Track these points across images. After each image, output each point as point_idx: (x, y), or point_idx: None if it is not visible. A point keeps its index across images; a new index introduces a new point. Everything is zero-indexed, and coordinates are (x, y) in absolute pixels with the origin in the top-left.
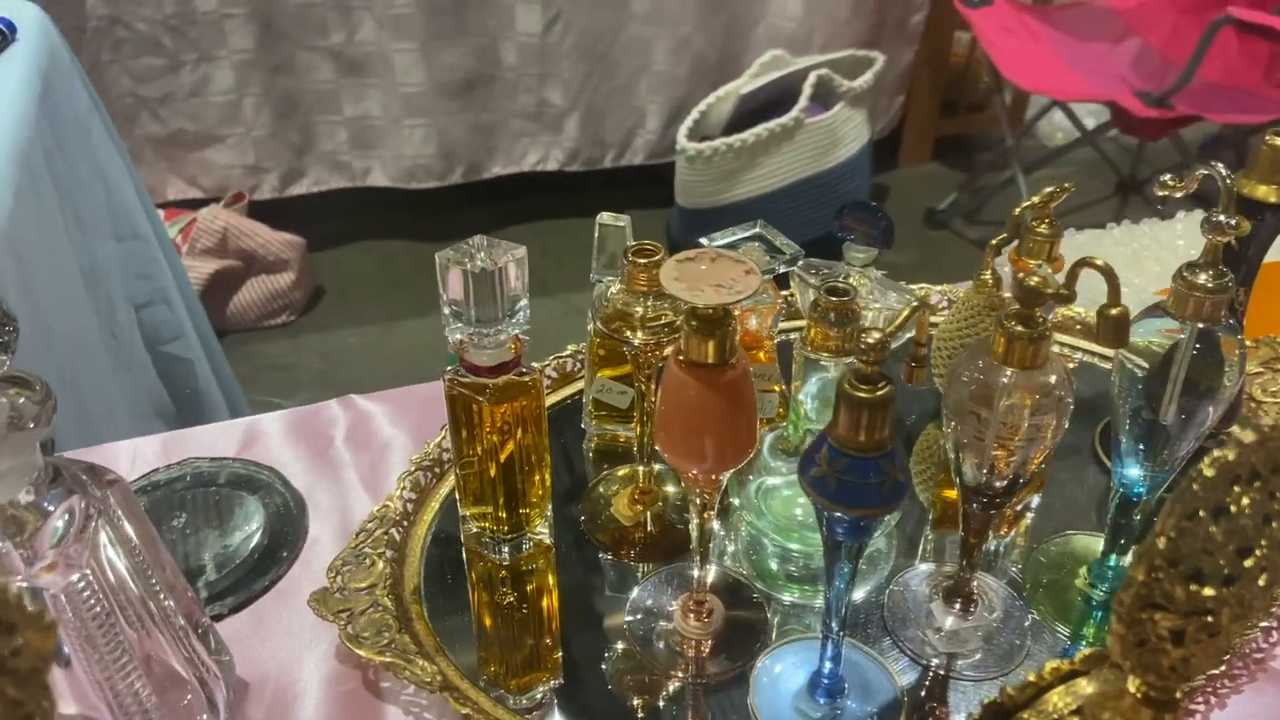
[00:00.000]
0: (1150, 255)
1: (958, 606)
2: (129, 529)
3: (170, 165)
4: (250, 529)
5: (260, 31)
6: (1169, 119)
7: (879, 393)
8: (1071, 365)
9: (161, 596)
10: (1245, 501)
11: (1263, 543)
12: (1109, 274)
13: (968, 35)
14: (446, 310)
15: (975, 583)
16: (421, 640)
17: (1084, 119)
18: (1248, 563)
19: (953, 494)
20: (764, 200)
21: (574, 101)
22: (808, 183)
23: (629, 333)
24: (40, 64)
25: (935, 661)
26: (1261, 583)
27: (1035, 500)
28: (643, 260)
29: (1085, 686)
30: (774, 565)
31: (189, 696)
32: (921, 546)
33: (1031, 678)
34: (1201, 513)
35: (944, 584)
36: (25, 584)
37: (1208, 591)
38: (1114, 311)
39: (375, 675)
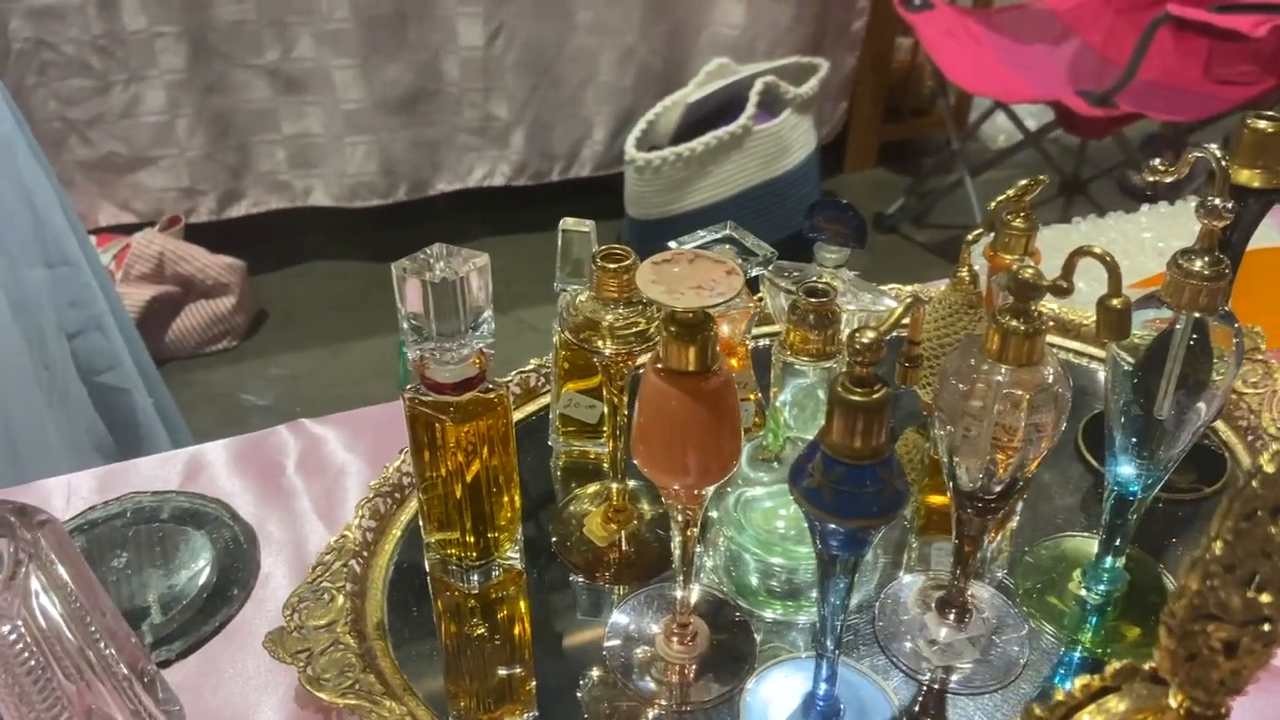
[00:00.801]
0: (1117, 249)
1: (952, 617)
2: (63, 573)
3: (102, 190)
4: (197, 567)
5: (192, 50)
6: (1112, 118)
7: (875, 396)
8: None
9: (101, 645)
10: None
11: None
12: (1110, 264)
13: (909, 41)
14: (405, 325)
15: (969, 592)
16: (387, 679)
17: (1026, 121)
18: None
19: (937, 500)
20: (715, 209)
21: (519, 115)
22: (758, 190)
23: (599, 342)
24: None
25: (931, 676)
26: None
27: (1019, 504)
28: (613, 265)
29: (1117, 704)
30: (755, 581)
31: None
32: (906, 555)
33: (1060, 697)
34: (1260, 512)
35: (936, 594)
36: None
37: (1266, 598)
38: (1115, 302)
39: (339, 719)
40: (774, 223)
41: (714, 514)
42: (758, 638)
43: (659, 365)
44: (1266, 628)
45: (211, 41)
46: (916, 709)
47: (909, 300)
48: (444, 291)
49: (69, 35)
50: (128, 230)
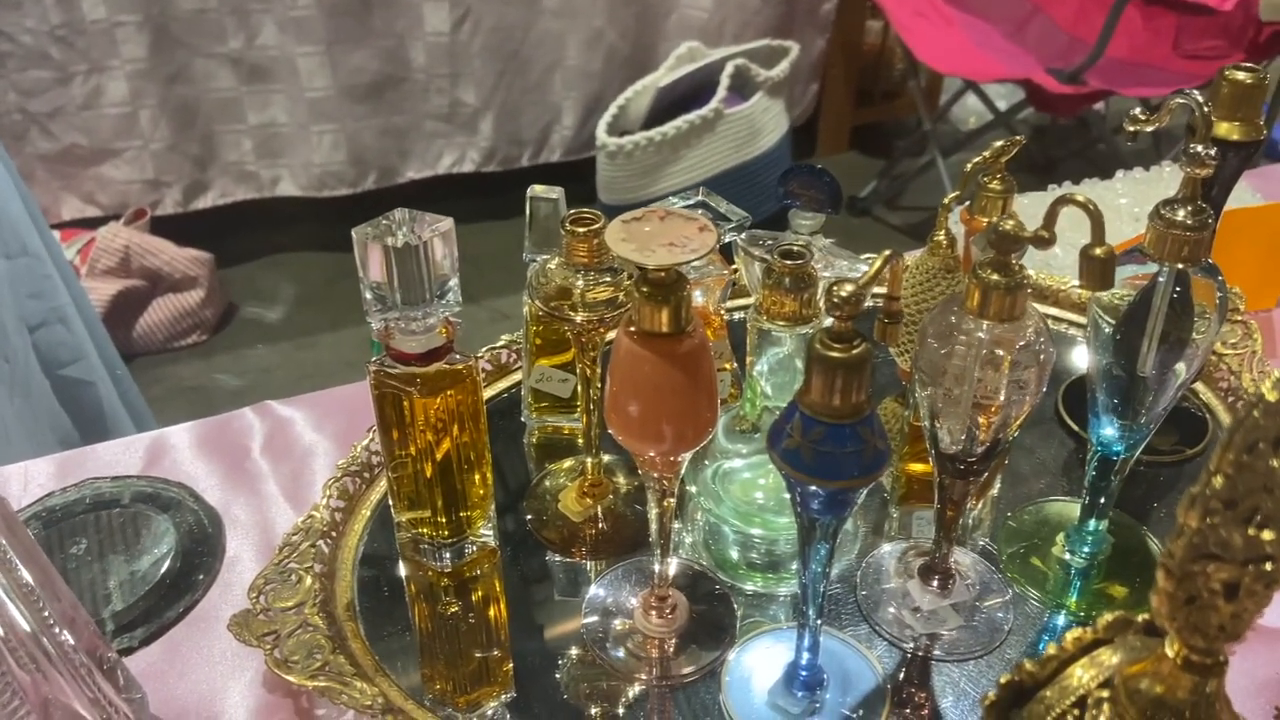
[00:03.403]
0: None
1: (935, 584)
2: (15, 559)
3: (64, 183)
4: (160, 551)
5: (154, 39)
6: (1082, 95)
7: (854, 351)
8: None
9: (57, 632)
10: None
11: None
12: (1094, 212)
13: (879, 23)
14: (368, 294)
15: (952, 558)
16: (358, 660)
17: (997, 102)
18: None
19: (917, 468)
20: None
21: (487, 101)
22: (731, 174)
23: (570, 311)
24: None
25: (915, 643)
26: None
27: (1000, 472)
28: (582, 229)
29: (1110, 656)
30: (735, 554)
31: None
32: (887, 525)
33: (1052, 650)
34: (1261, 445)
35: (918, 562)
36: None
37: (1267, 535)
38: (1098, 251)
39: (309, 703)
40: (747, 206)
41: (692, 487)
42: (739, 610)
43: (631, 328)
44: (1268, 566)
45: (173, 30)
46: (901, 677)
47: (887, 254)
48: (407, 257)
49: (27, 25)
50: (92, 224)
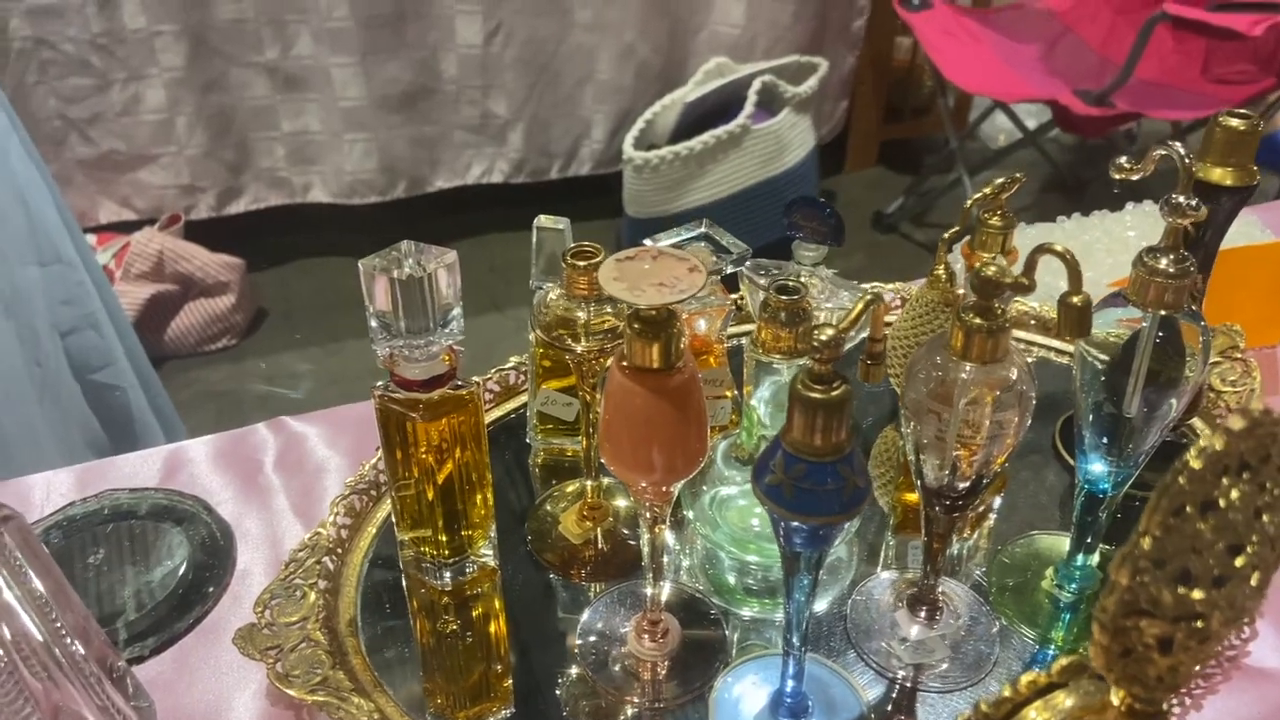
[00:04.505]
0: (1102, 248)
1: (923, 615)
2: (29, 570)
3: (101, 187)
4: (173, 563)
5: (191, 48)
6: (1109, 117)
7: (834, 393)
8: (1030, 360)
9: (68, 641)
10: (1235, 495)
11: (1254, 539)
12: (1070, 261)
13: (909, 40)
14: (374, 323)
15: (940, 589)
16: (358, 676)
17: (1025, 120)
18: (1238, 561)
19: (914, 498)
20: (713, 208)
21: (518, 112)
22: (756, 189)
23: (571, 340)
24: None
25: (902, 673)
26: (1254, 582)
27: (997, 501)
28: (582, 263)
29: (1064, 700)
30: (731, 579)
31: None
32: (883, 553)
33: (1007, 692)
34: (1189, 508)
35: (908, 592)
36: None
37: (1197, 594)
38: (1075, 300)
39: (310, 716)
40: (772, 222)
41: (689, 513)
42: (735, 635)
43: (624, 362)
44: (1199, 624)
45: (211, 40)
46: (886, 706)
47: (868, 298)
48: (412, 288)
49: (69, 34)
50: (128, 228)
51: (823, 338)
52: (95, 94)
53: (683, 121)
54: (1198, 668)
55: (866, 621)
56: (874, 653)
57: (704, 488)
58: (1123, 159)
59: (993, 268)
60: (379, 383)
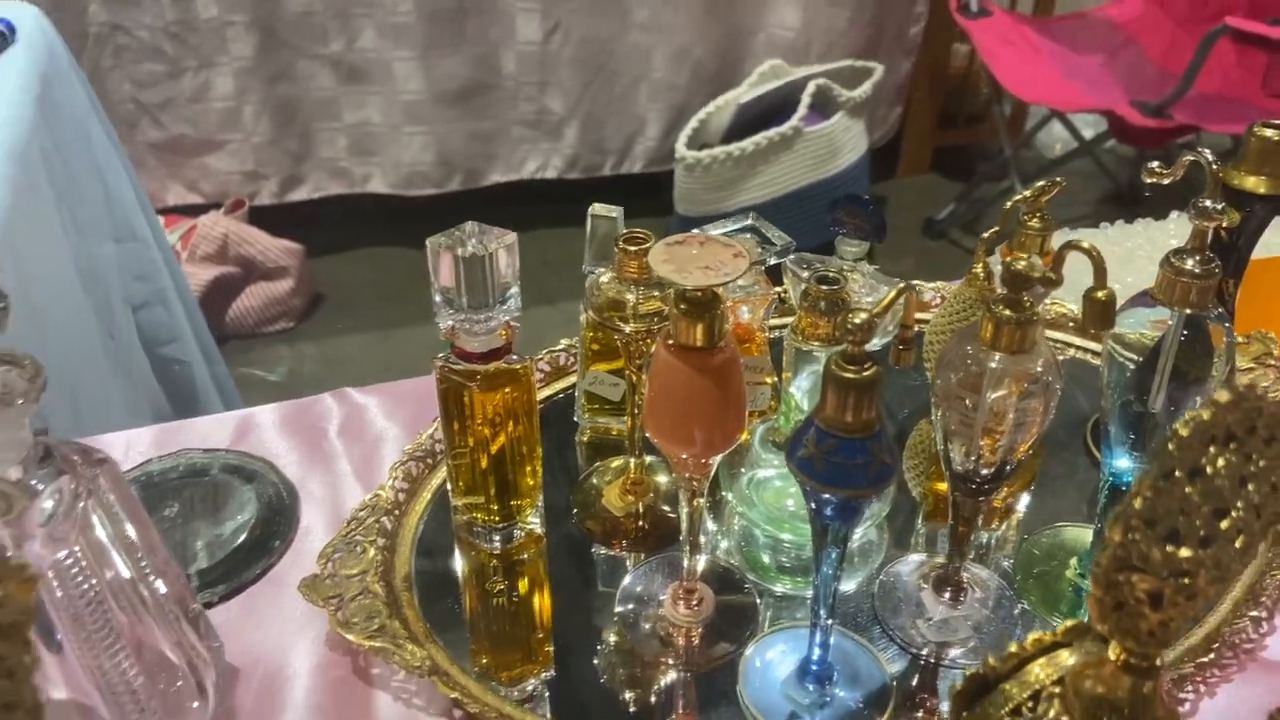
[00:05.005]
0: (1144, 255)
1: (947, 595)
2: (119, 511)
3: (171, 171)
4: (243, 518)
5: (261, 39)
6: (1166, 129)
7: (865, 374)
8: (1063, 358)
9: (152, 580)
10: (1221, 463)
11: (1238, 505)
12: (1095, 257)
13: (966, 47)
14: (438, 297)
15: (965, 572)
16: (411, 627)
17: (1083, 130)
18: (1224, 524)
19: (944, 487)
20: (763, 208)
21: (573, 109)
22: (806, 191)
23: (620, 321)
24: (39, 65)
25: (925, 650)
26: (1238, 545)
27: (1026, 497)
28: (633, 248)
29: (1066, 658)
30: (766, 557)
31: (179, 682)
32: (913, 539)
33: (1014, 649)
34: (1178, 473)
35: (934, 574)
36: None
37: (1184, 552)
38: (1100, 294)
39: (365, 662)
40: (821, 224)
41: (728, 494)
42: (767, 611)
43: (669, 341)
44: (1187, 581)
45: (279, 31)
46: (908, 679)
47: (900, 286)
48: (474, 266)
49: (144, 21)
50: (194, 212)
51: (856, 321)
52: (167, 80)
53: (736, 122)
54: (1188, 627)
55: (893, 600)
56: (899, 629)
57: (742, 470)
58: (1154, 163)
59: (1023, 262)
60: (440, 354)
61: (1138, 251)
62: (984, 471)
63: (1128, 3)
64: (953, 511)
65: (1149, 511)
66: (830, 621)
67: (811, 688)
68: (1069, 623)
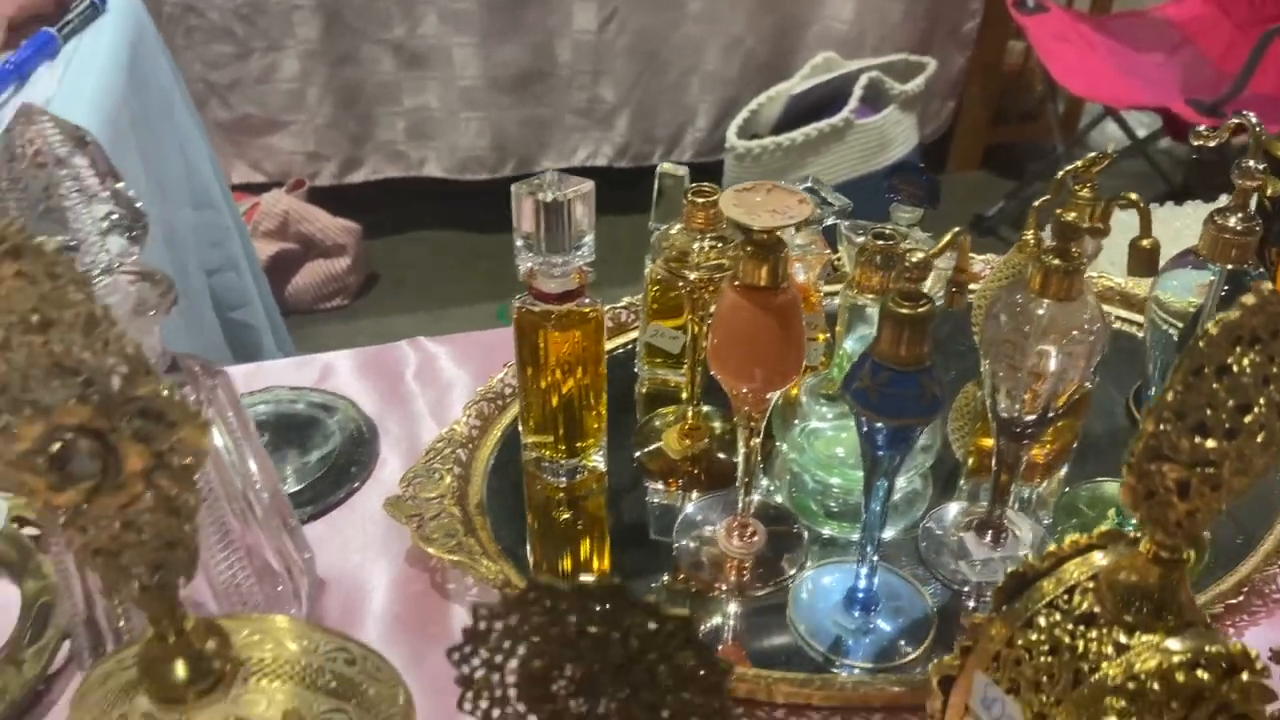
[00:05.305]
0: (1191, 234)
1: (989, 539)
2: (234, 422)
3: (236, 150)
4: (327, 448)
5: (326, 23)
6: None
7: (920, 310)
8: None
9: (259, 488)
10: (1246, 362)
11: (1261, 402)
12: (1142, 209)
13: (1022, 44)
14: (519, 241)
15: (1006, 519)
16: (485, 546)
17: (1136, 130)
18: (1247, 419)
19: (988, 443)
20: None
21: (625, 98)
22: (856, 183)
23: (686, 270)
24: (128, 35)
25: (966, 589)
26: (1260, 440)
27: (1066, 465)
28: (701, 200)
29: (1100, 559)
30: (814, 504)
31: (280, 586)
32: (956, 494)
33: (1052, 549)
34: (1206, 369)
35: (976, 519)
36: None
37: (1210, 443)
38: (1145, 242)
39: (441, 578)
40: (872, 216)
41: (782, 444)
42: (814, 552)
43: (736, 282)
44: (1212, 471)
45: (345, 16)
46: (948, 613)
47: (956, 230)
48: (553, 211)
49: (215, 2)
50: (257, 189)
51: (914, 259)
52: (235, 61)
53: (787, 113)
54: (1213, 518)
55: (936, 542)
56: (941, 568)
57: (795, 421)
58: (1202, 127)
59: (1072, 214)
60: (519, 295)
61: (1185, 231)
62: (1027, 418)
63: (1187, 3)
64: (996, 459)
65: (1179, 405)
66: (877, 552)
67: (857, 615)
68: (1103, 528)
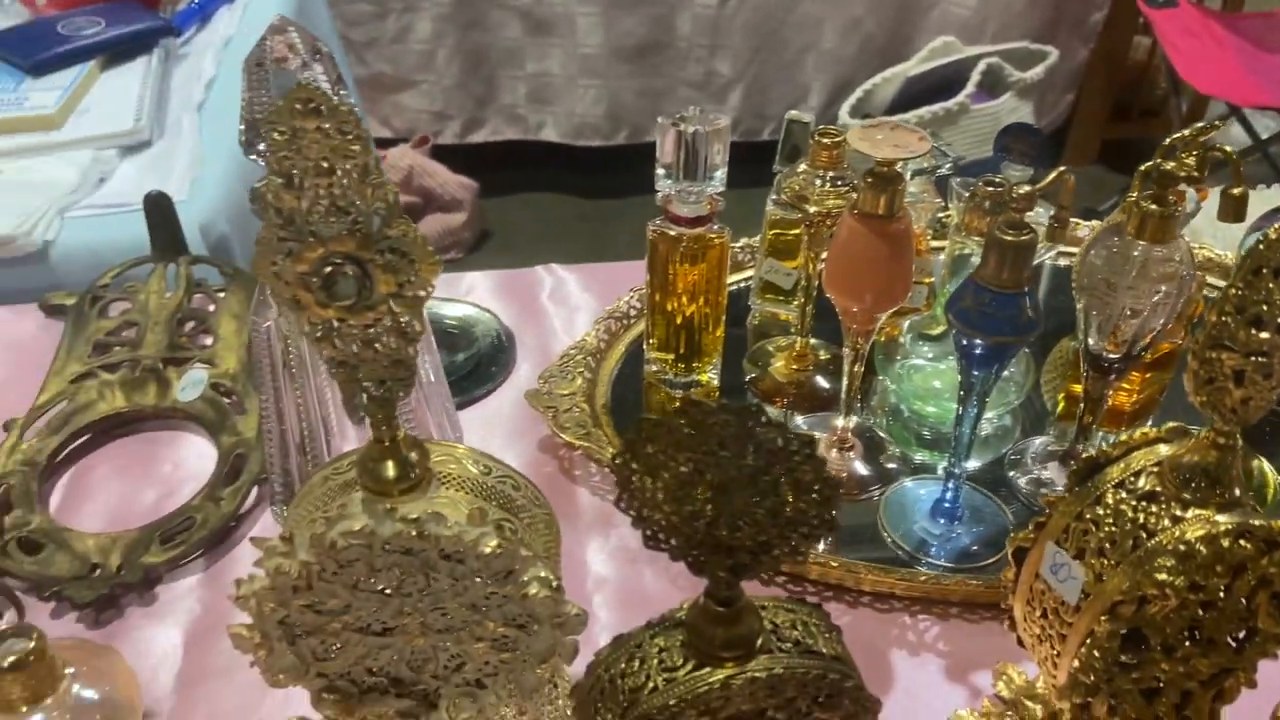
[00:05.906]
0: None
1: (1071, 466)
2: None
3: (368, 105)
4: (471, 351)
5: None
6: None
7: (1022, 237)
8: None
9: (428, 368)
10: None
11: None
12: (1235, 160)
13: (1148, 40)
14: (660, 170)
15: (1087, 452)
16: (610, 438)
17: (1260, 133)
18: None
19: (1077, 388)
20: None
21: (741, 73)
22: (967, 169)
23: (806, 205)
24: None
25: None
26: None
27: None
28: (827, 140)
29: (1164, 450)
30: (909, 432)
31: None
32: (1044, 432)
33: (1123, 438)
34: (1264, 269)
35: (1061, 450)
36: None
37: (1264, 335)
38: (1235, 191)
39: (569, 465)
40: None
41: (884, 377)
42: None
43: (855, 210)
44: (1265, 360)
45: None
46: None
47: (1061, 169)
48: (692, 142)
49: None
50: (384, 145)
51: (1020, 191)
52: (373, 20)
53: (901, 95)
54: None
55: (1021, 467)
56: (1023, 490)
57: (899, 358)
58: None
59: (1171, 163)
60: (655, 219)
61: None
62: (1116, 354)
63: None
64: (1084, 395)
65: (1239, 300)
66: (963, 469)
67: (943, 522)
68: (1170, 425)
